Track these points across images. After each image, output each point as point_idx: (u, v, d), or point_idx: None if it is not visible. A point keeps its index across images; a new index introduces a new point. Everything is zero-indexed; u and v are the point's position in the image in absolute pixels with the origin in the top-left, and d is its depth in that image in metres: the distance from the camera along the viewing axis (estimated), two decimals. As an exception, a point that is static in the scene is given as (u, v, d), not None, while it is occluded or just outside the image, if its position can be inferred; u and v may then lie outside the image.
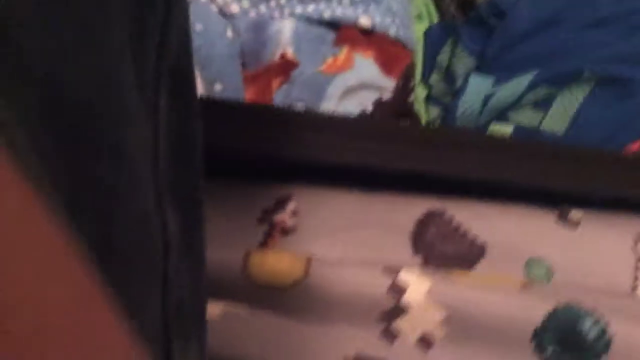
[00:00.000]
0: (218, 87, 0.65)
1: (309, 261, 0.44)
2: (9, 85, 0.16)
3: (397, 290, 0.42)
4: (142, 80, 0.23)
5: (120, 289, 0.21)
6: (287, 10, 0.69)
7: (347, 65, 0.67)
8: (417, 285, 0.42)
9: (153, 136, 0.24)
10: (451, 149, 0.52)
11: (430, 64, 0.72)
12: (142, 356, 0.20)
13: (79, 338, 0.17)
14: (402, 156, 0.51)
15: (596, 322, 0.41)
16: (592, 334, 0.41)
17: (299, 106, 0.65)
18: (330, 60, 0.67)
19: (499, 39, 0.66)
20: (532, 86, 0.64)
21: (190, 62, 0.28)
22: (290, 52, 0.67)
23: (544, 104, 0.65)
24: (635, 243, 0.50)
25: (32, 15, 0.17)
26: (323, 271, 0.43)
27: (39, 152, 0.17)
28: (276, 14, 0.69)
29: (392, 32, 0.69)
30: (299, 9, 0.69)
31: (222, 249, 0.44)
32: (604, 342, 0.41)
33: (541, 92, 0.64)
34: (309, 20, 0.69)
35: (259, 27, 0.68)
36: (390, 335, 0.42)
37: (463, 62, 0.69)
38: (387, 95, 0.67)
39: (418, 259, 0.50)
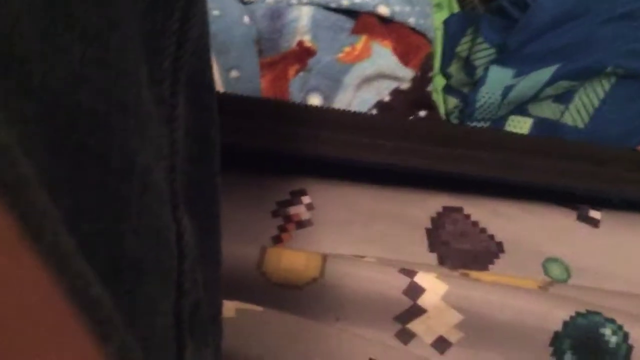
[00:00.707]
0: (234, 74, 0.64)
1: (324, 259, 0.44)
2: (13, 100, 0.16)
3: (414, 291, 0.42)
4: (158, 85, 0.23)
5: (128, 300, 0.20)
6: (305, -3, 0.68)
7: (365, 54, 0.66)
8: (434, 287, 0.42)
9: (169, 144, 0.24)
10: (468, 146, 0.51)
11: (449, 54, 0.71)
12: None
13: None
14: (419, 153, 0.50)
15: (617, 329, 0.40)
16: (612, 341, 0.40)
17: (315, 95, 0.64)
18: (348, 48, 0.66)
19: (521, 31, 0.64)
20: (553, 79, 0.63)
21: (209, 63, 0.27)
22: (307, 40, 0.66)
23: (564, 98, 0.64)
24: (655, 244, 0.50)
25: (37, 25, 0.16)
26: (339, 270, 0.43)
27: (40, 165, 0.16)
28: (294, 0, 0.68)
29: (411, 21, 0.68)
30: (316, -5, 0.68)
31: (236, 244, 0.44)
32: (624, 349, 0.40)
33: (562, 85, 0.63)
34: (326, 7, 0.68)
35: (276, 14, 0.67)
36: (405, 336, 0.42)
37: (483, 53, 0.68)
38: (405, 85, 0.66)
39: (433, 256, 0.49)
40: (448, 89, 0.70)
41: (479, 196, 0.54)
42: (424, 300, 0.42)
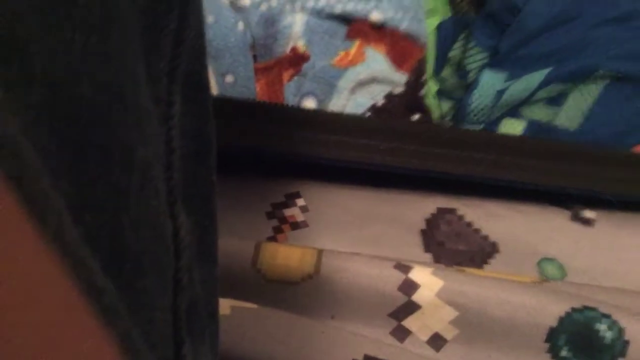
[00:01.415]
0: (229, 79, 0.65)
1: (319, 256, 0.44)
2: (14, 88, 0.16)
3: (409, 287, 0.42)
4: (155, 83, 0.23)
5: (129, 293, 0.20)
6: (298, 4, 0.68)
7: (359, 59, 0.67)
8: (429, 283, 0.42)
9: (166, 142, 0.24)
10: (462, 147, 0.51)
11: (442, 58, 0.71)
12: None
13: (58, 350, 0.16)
14: (413, 154, 0.50)
15: (613, 324, 0.41)
16: (608, 337, 0.40)
17: (310, 99, 0.64)
18: (341, 54, 0.67)
19: (513, 35, 0.65)
20: (545, 82, 0.63)
21: (205, 63, 0.28)
22: (301, 46, 0.66)
23: (557, 100, 0.64)
24: (649, 243, 0.50)
25: (38, 13, 0.17)
26: (334, 266, 0.43)
27: (44, 154, 0.17)
28: (287, 7, 0.68)
29: (403, 26, 0.68)
30: (310, 3, 0.68)
31: (231, 244, 0.44)
32: (620, 344, 0.40)
33: (554, 88, 0.63)
34: (320, 14, 0.68)
35: (270, 21, 0.68)
36: (401, 333, 0.42)
37: (475, 58, 0.68)
38: (398, 89, 0.66)
39: (428, 257, 0.49)
40: (441, 93, 0.70)
41: (473, 197, 0.54)
42: (418, 296, 0.42)
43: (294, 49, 0.66)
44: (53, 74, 0.17)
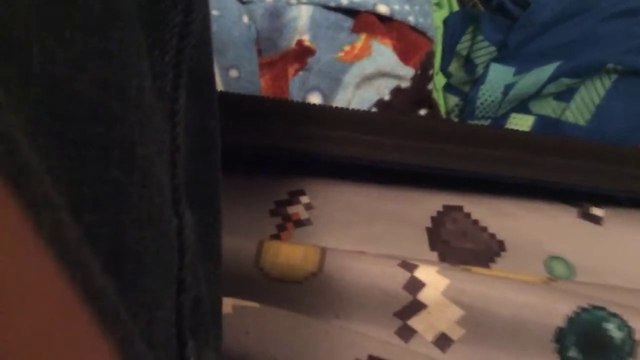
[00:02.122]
0: (234, 73, 0.64)
1: (323, 254, 0.43)
2: (13, 87, 0.16)
3: (415, 286, 0.41)
4: (160, 79, 0.23)
5: (131, 293, 0.20)
6: (304, -4, 0.67)
7: (365, 52, 0.66)
8: (434, 282, 0.41)
9: (171, 139, 0.24)
10: (469, 143, 0.50)
11: (449, 52, 0.71)
12: None
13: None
14: (419, 150, 0.50)
15: (622, 324, 0.40)
16: (617, 337, 0.40)
17: (315, 94, 0.64)
18: (347, 47, 0.66)
19: (522, 29, 0.64)
20: (554, 77, 0.62)
21: (210, 57, 0.27)
22: (306, 39, 0.66)
23: (565, 95, 0.64)
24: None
25: (38, 11, 0.16)
26: (338, 264, 0.42)
27: (43, 153, 0.16)
28: (293, 0, 0.67)
29: (410, 19, 0.67)
30: (316, -5, 0.67)
31: (235, 242, 0.44)
32: (629, 345, 0.40)
33: (563, 83, 0.63)
34: (326, 6, 0.67)
35: (275, 14, 0.67)
36: (406, 333, 0.42)
37: (483, 51, 0.67)
38: (405, 84, 0.66)
39: (434, 255, 0.49)
40: (448, 88, 0.70)
41: (479, 195, 0.53)
42: (424, 295, 0.41)
43: (299, 43, 0.65)
44: (52, 73, 0.17)
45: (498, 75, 0.65)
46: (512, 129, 0.62)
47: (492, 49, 0.67)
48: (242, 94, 0.55)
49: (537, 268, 0.48)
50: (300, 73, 0.65)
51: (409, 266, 0.42)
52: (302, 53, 0.65)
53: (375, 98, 0.64)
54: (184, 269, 0.25)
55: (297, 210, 0.51)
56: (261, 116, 0.51)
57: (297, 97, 0.63)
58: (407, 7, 0.68)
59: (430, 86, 0.67)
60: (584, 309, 0.40)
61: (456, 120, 0.67)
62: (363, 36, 0.66)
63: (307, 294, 0.42)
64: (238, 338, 0.38)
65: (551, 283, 0.44)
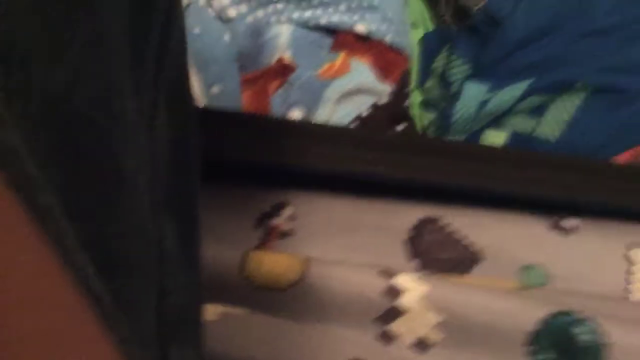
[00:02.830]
0: (215, 89, 0.65)
1: (306, 262, 0.44)
2: (15, 99, 0.17)
3: (393, 292, 0.43)
4: (140, 97, 0.23)
5: (118, 299, 0.21)
6: (284, 16, 0.69)
7: (344, 70, 0.68)
8: (413, 288, 0.43)
9: (151, 153, 0.24)
10: (445, 158, 0.52)
11: (425, 70, 0.73)
12: None
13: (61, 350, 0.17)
14: (397, 165, 0.51)
15: (590, 328, 0.42)
16: (586, 340, 0.41)
17: (296, 110, 0.65)
18: (327, 65, 0.68)
19: (494, 47, 0.66)
20: (526, 94, 0.64)
21: (187, 74, 0.28)
22: (287, 57, 0.67)
23: (538, 111, 0.66)
24: (627, 250, 0.51)
25: (38, 35, 0.17)
26: (320, 272, 0.44)
27: (42, 165, 0.17)
28: (273, 19, 0.69)
29: (388, 38, 0.69)
30: (296, 15, 0.69)
31: (219, 252, 0.45)
32: (598, 348, 0.41)
33: (536, 100, 0.65)
34: (306, 25, 0.69)
35: (257, 32, 0.69)
36: (386, 338, 0.43)
37: (458, 69, 0.69)
38: (383, 100, 0.67)
39: (413, 265, 0.50)
40: (425, 104, 0.71)
41: (457, 206, 0.54)
42: (403, 301, 0.42)
43: (280, 60, 0.67)
44: (50, 88, 0.18)
45: (472, 93, 0.67)
46: (486, 145, 0.63)
47: (467, 66, 0.69)
48: (224, 109, 0.56)
49: (512, 277, 0.49)
50: (281, 89, 0.66)
51: (389, 274, 0.44)
52: (283, 70, 0.67)
53: (355, 114, 0.66)
54: (166, 277, 0.26)
55: (279, 222, 0.52)
56: (243, 131, 0.52)
57: (278, 113, 0.64)
58: (384, 27, 0.70)
59: (407, 103, 0.69)
60: (554, 314, 0.42)
61: (433, 135, 0.68)
62: (342, 54, 0.68)
63: (290, 301, 0.43)
64: (224, 344, 0.39)
65: (525, 290, 0.46)
